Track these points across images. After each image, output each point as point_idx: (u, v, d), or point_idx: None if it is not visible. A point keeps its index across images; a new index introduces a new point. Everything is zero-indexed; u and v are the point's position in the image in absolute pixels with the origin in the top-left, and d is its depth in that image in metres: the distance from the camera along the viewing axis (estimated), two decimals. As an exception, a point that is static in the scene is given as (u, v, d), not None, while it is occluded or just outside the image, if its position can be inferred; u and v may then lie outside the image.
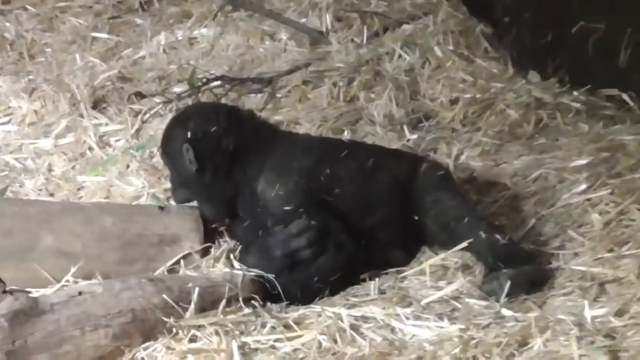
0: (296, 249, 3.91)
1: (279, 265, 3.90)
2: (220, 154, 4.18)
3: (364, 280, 4.02)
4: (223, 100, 5.35)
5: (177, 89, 5.61)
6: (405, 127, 5.05)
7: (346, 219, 4.04)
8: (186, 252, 4.21)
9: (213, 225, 4.35)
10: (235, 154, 4.17)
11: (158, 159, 4.83)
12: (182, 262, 4.19)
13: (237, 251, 4.15)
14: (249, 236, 4.14)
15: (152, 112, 5.41)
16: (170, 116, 4.98)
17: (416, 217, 4.13)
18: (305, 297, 3.88)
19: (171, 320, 3.58)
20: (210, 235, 4.34)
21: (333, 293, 3.91)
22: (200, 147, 4.17)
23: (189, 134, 4.17)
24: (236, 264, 4.01)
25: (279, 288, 3.82)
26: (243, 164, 4.16)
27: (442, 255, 4.04)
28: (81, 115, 5.44)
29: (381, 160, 4.23)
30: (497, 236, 3.95)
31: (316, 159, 4.11)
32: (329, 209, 4.03)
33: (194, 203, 4.38)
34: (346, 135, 4.98)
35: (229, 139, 4.16)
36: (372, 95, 5.30)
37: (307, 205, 3.97)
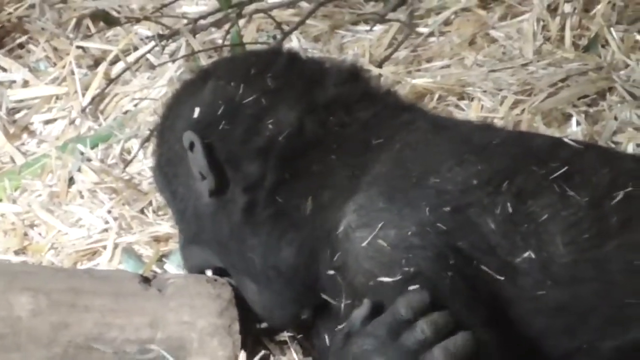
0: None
1: None
2: (263, 154, 2.82)
3: None
4: (295, 40, 3.94)
5: (188, 9, 4.11)
6: None
7: (542, 336, 2.54)
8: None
9: (263, 325, 2.98)
10: (297, 157, 2.80)
11: (141, 167, 3.59)
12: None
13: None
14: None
15: (131, 58, 3.92)
16: (173, 72, 3.85)
17: None
18: None
19: None
20: (255, 344, 2.98)
21: None
22: (220, 138, 2.89)
23: (195, 112, 2.89)
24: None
25: None
26: (317, 181, 2.78)
27: None
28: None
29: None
30: None
31: (485, 176, 2.64)
32: (491, 300, 2.54)
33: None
34: (573, 129, 3.47)
35: (280, 121, 2.82)
36: (640, 38, 3.94)
37: (437, 281, 2.51)
